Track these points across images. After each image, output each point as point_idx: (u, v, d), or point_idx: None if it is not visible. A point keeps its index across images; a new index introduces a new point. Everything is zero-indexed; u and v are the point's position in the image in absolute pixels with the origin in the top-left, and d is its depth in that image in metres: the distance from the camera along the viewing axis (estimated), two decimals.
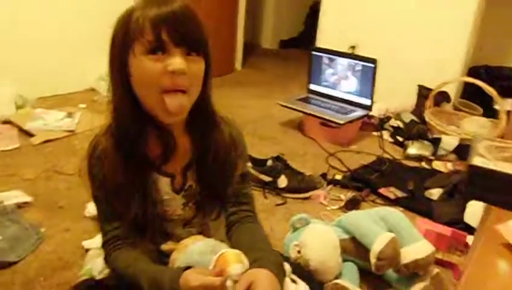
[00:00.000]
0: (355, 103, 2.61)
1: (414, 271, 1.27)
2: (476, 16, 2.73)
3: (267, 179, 1.95)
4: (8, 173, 1.98)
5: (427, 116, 2.60)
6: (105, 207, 0.93)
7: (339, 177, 2.09)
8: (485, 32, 2.94)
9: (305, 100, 2.72)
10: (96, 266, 1.29)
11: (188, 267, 0.82)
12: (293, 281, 0.92)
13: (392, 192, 1.95)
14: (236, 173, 0.97)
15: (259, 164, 2.01)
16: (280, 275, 0.83)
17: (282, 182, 1.94)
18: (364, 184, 2.02)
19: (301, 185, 1.95)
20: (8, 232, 1.55)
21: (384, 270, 1.29)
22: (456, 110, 2.83)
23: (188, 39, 0.81)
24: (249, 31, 4.30)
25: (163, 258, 0.95)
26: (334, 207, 1.88)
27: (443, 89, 2.66)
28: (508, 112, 2.43)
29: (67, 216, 1.69)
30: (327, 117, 2.47)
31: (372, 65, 2.48)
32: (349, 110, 2.57)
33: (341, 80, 2.67)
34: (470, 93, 2.92)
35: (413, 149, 2.40)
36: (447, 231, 1.62)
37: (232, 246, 0.93)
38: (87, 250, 1.47)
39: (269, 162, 2.00)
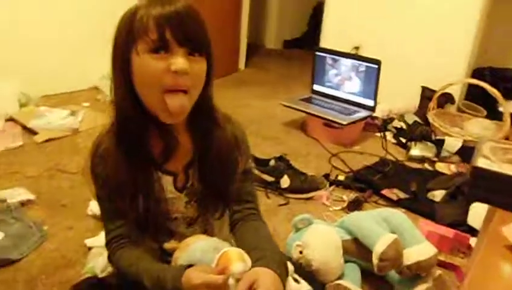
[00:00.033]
0: (359, 103, 2.60)
1: (416, 273, 1.27)
2: (480, 17, 2.71)
3: (269, 179, 1.95)
4: (11, 171, 1.98)
5: (431, 117, 2.59)
6: (108, 206, 0.93)
7: (341, 178, 2.09)
8: (490, 33, 2.93)
9: (309, 100, 2.71)
10: (98, 264, 1.30)
11: (191, 266, 0.82)
12: (296, 280, 0.92)
13: (394, 193, 1.95)
14: (238, 171, 0.97)
15: (262, 163, 2.01)
16: (283, 274, 0.83)
17: (285, 182, 1.94)
18: (367, 185, 2.02)
19: (304, 186, 1.95)
20: (11, 229, 1.56)
21: (387, 272, 1.29)
22: (459, 111, 2.82)
23: (191, 39, 0.81)
24: (253, 31, 4.29)
25: (166, 256, 0.95)
26: (337, 208, 1.88)
27: (447, 90, 2.65)
28: None
29: (70, 214, 1.70)
30: (330, 118, 2.47)
31: (376, 66, 2.47)
32: (353, 111, 2.56)
33: (344, 81, 2.66)
34: (474, 95, 2.91)
35: (416, 150, 2.39)
36: (449, 232, 1.62)
37: (237, 244, 0.93)
38: (89, 248, 1.48)
39: (272, 162, 2.00)
